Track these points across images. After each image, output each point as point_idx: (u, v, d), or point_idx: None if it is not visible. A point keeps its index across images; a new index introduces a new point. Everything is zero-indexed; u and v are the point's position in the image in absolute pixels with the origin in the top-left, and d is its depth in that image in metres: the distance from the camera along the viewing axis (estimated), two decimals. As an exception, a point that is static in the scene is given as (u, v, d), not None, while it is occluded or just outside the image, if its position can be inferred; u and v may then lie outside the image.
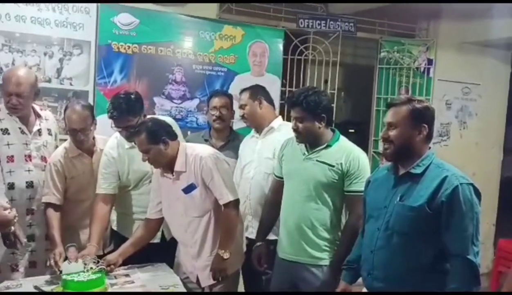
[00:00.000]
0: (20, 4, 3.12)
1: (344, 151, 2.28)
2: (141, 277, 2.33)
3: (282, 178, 2.47)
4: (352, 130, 5.35)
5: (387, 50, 4.39)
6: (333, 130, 2.38)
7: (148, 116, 2.64)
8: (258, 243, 2.53)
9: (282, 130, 2.73)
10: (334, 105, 4.17)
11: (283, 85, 4.01)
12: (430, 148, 1.89)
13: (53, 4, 3.19)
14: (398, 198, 1.84)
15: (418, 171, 1.83)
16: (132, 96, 2.54)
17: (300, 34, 4.09)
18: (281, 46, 3.96)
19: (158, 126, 2.35)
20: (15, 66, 2.97)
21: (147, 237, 2.50)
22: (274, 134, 2.79)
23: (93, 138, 2.64)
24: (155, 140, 2.29)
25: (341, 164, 2.25)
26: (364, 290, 1.99)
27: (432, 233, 1.77)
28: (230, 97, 3.09)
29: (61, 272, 2.20)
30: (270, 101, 2.90)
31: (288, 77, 4.08)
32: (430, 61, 4.41)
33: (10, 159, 2.53)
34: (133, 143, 2.55)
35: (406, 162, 1.86)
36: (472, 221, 1.73)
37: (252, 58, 3.84)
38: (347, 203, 2.31)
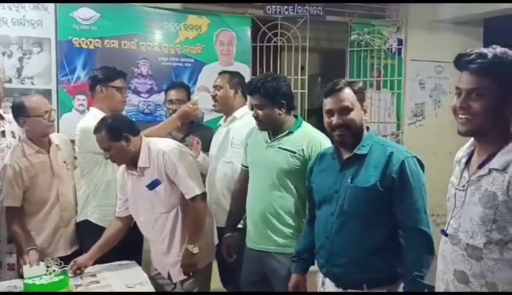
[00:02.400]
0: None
1: (305, 137, 2.24)
2: (107, 277, 2.29)
3: (248, 167, 2.44)
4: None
5: (357, 33, 4.33)
6: (296, 117, 2.35)
7: None
8: (227, 234, 2.49)
9: (244, 119, 2.70)
10: (305, 91, 4.17)
11: (255, 73, 3.93)
12: (368, 128, 1.91)
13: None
14: (349, 181, 1.82)
15: (364, 151, 1.84)
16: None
17: (268, 20, 4.01)
18: (249, 34, 3.88)
19: (119, 122, 2.30)
20: None
21: (118, 236, 2.45)
22: (235, 123, 2.77)
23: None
24: (117, 137, 2.24)
25: (302, 149, 2.21)
26: (320, 276, 1.96)
27: (385, 210, 1.78)
28: (187, 89, 3.07)
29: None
30: (244, 94, 2.83)
31: (258, 65, 4.00)
32: (400, 42, 4.36)
33: None
34: None
35: (351, 145, 1.86)
36: (421, 193, 1.77)
37: (220, 47, 3.76)
38: (311, 189, 2.28)
